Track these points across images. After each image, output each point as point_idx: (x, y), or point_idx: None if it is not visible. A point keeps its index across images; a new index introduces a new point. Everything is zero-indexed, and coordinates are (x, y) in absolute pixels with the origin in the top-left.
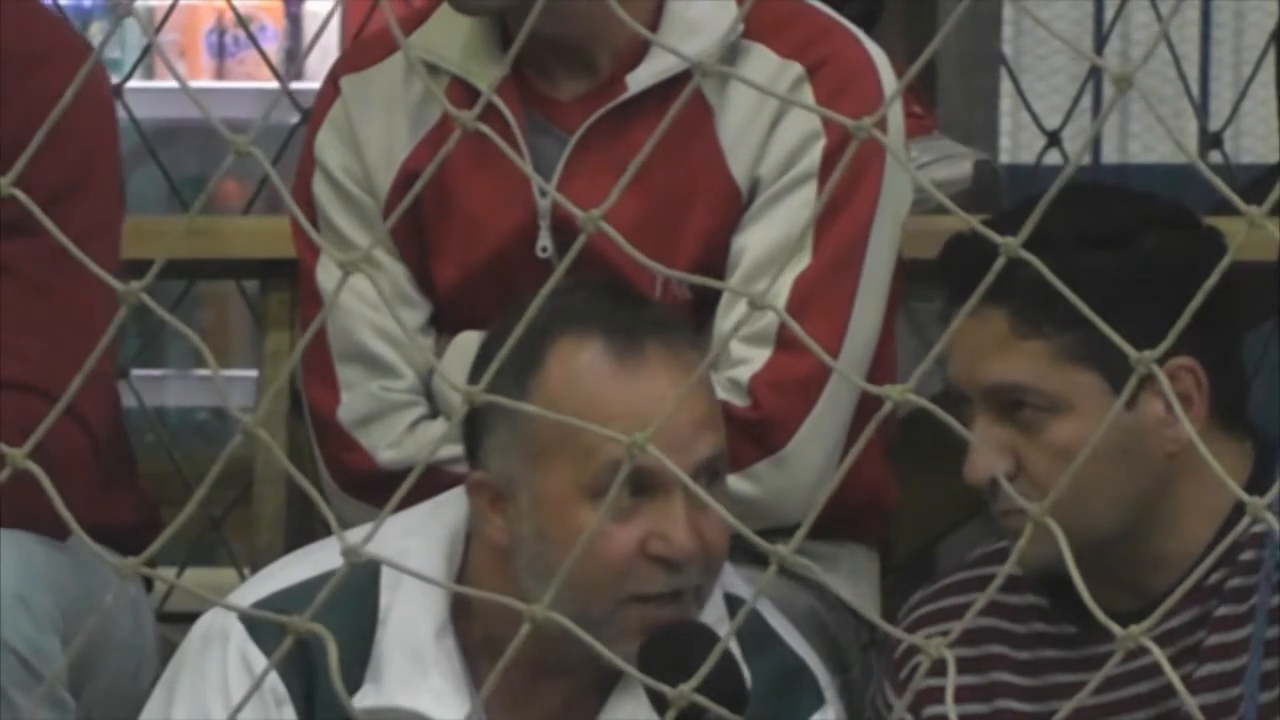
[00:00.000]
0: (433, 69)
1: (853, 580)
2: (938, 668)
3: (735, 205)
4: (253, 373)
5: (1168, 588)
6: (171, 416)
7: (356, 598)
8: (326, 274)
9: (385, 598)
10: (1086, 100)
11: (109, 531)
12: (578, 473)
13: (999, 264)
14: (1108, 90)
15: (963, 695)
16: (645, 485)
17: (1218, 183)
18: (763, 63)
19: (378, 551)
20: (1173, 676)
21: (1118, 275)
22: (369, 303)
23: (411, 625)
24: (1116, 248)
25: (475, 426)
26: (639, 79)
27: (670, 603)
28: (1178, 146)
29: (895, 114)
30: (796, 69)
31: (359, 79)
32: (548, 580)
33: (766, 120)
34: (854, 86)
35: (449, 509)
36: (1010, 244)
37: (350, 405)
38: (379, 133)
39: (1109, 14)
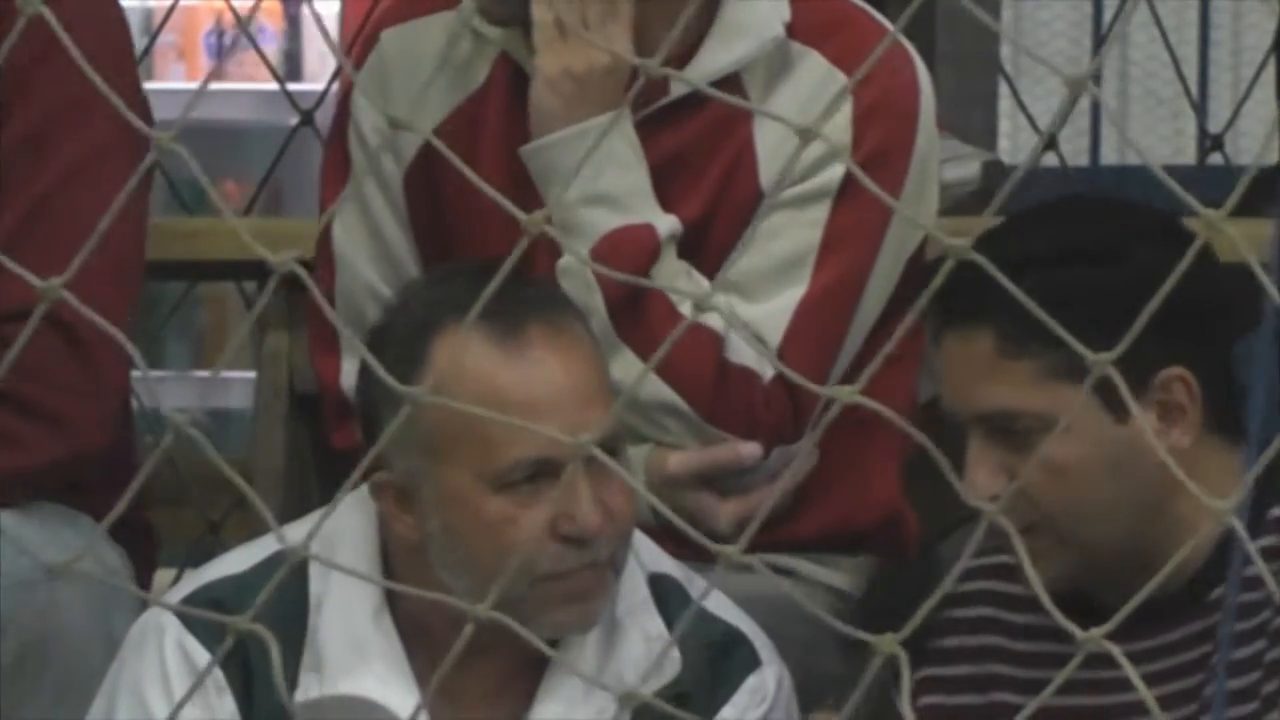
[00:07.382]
0: (480, 35)
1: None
2: (932, 658)
3: (753, 213)
4: (251, 374)
5: (1168, 597)
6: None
7: (283, 588)
8: (343, 231)
9: (316, 586)
10: (1085, 101)
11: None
12: (479, 466)
13: (949, 264)
14: (1105, 92)
15: (959, 685)
16: (546, 470)
17: (1180, 192)
18: (813, 68)
19: (312, 543)
20: (1137, 681)
21: (1106, 290)
22: (376, 268)
23: (348, 611)
24: (1105, 262)
25: (371, 428)
26: (682, 83)
27: (586, 574)
28: (1140, 153)
29: (926, 138)
30: (841, 79)
31: (402, 32)
32: (462, 571)
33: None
34: (891, 105)
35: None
36: (959, 247)
37: (351, 372)
38: (414, 92)
39: (1108, 15)
